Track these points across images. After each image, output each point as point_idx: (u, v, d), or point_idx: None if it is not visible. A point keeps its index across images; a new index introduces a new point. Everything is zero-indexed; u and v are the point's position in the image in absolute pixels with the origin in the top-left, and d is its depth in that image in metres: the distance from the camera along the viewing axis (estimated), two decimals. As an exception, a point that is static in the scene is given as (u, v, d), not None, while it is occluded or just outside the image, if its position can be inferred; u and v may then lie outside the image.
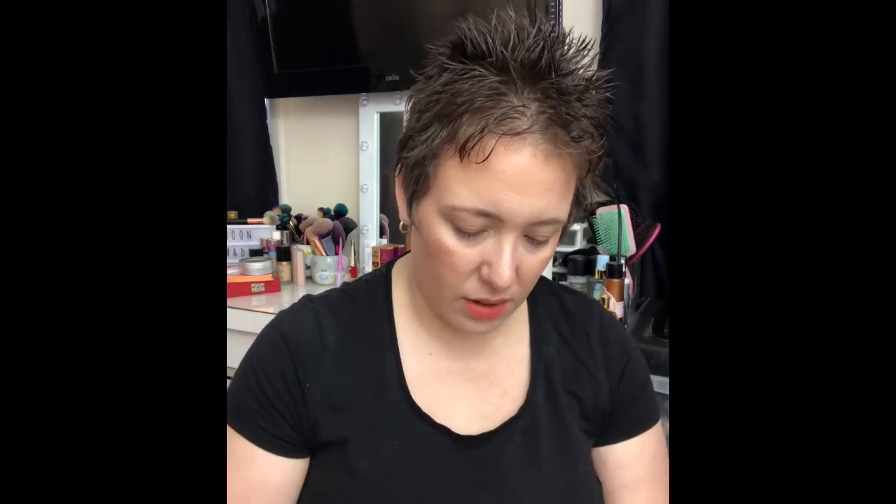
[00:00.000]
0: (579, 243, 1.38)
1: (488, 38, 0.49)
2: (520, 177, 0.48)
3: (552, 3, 1.42)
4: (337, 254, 1.63)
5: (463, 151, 0.48)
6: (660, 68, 1.38)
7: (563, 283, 1.33)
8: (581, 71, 0.50)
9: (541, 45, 0.48)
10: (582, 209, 0.57)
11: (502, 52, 0.48)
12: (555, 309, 0.67)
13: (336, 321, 0.63)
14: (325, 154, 1.99)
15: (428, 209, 0.53)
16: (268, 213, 1.88)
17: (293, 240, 1.78)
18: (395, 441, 0.59)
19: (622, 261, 1.22)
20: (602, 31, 1.43)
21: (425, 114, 0.51)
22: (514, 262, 0.51)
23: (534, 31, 0.49)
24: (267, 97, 1.98)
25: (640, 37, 1.38)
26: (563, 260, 1.36)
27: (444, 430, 0.60)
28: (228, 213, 1.93)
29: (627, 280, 1.23)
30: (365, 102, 1.81)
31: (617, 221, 1.24)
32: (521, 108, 0.48)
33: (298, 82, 1.85)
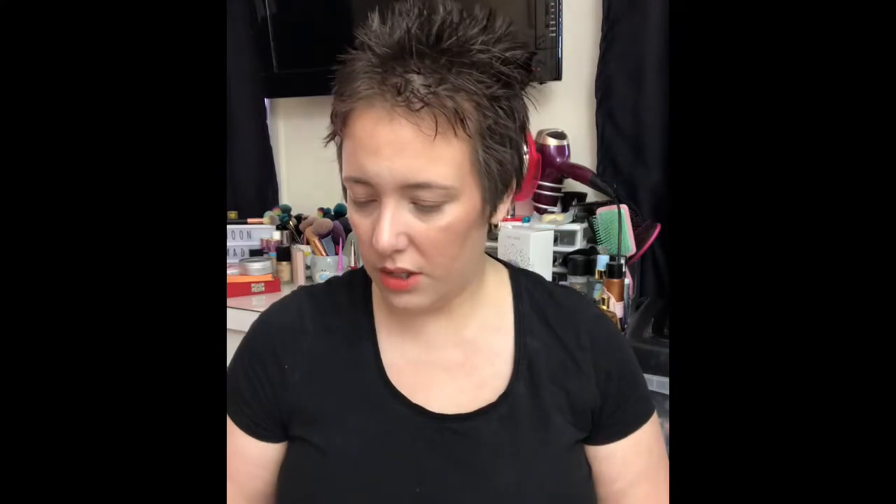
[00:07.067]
0: (579, 243, 1.38)
1: (371, 27, 0.53)
2: (371, 139, 0.52)
3: (552, 3, 1.42)
4: (337, 254, 1.63)
5: (338, 127, 0.55)
6: (660, 68, 1.38)
7: (563, 283, 1.33)
8: (471, 41, 0.52)
9: (402, 23, 0.52)
10: (491, 180, 0.55)
11: (367, 36, 0.53)
12: (545, 301, 0.67)
13: (316, 308, 0.66)
14: (325, 154, 1.98)
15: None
16: (268, 213, 1.88)
17: (293, 240, 1.78)
18: (370, 420, 0.61)
19: (622, 261, 1.22)
20: (602, 31, 1.43)
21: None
22: (394, 228, 0.53)
23: (408, 12, 0.52)
24: (267, 97, 1.97)
25: (640, 36, 1.38)
26: (563, 260, 1.36)
27: (419, 410, 0.61)
28: (228, 213, 1.93)
29: (627, 280, 1.23)
30: (365, 102, 1.80)
31: (617, 221, 1.24)
32: (377, 78, 0.51)
33: (298, 82, 1.85)
